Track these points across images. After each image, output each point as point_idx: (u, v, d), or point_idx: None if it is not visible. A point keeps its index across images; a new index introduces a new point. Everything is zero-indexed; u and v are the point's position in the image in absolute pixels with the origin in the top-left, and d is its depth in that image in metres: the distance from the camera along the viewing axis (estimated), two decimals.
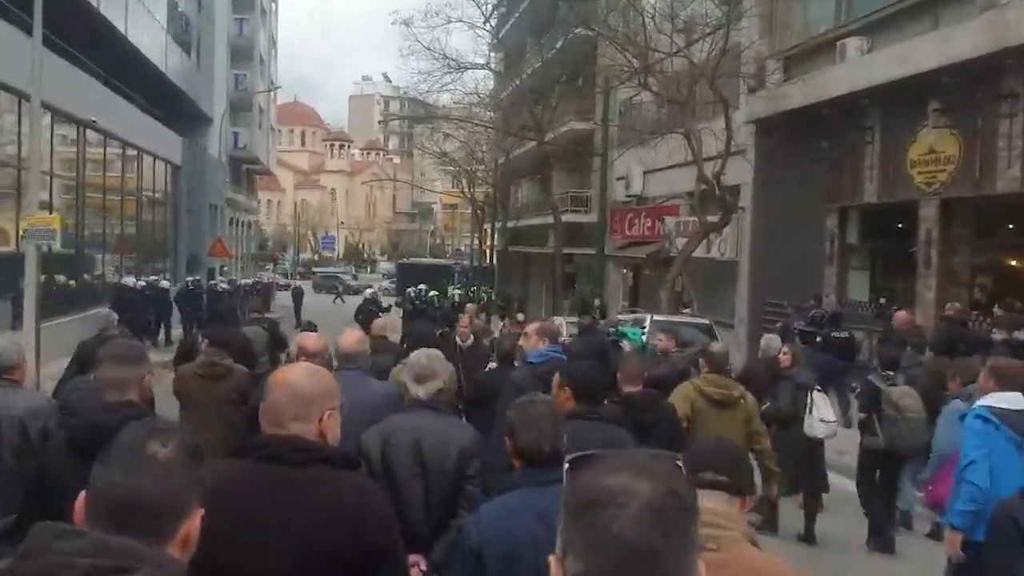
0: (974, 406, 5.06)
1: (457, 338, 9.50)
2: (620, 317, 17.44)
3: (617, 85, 22.23)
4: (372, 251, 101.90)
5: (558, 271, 29.52)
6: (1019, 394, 4.83)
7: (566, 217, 31.92)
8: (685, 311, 17.82)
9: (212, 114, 40.15)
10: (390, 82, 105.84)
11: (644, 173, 27.55)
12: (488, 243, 41.22)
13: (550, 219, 31.15)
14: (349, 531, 2.40)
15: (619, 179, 29.97)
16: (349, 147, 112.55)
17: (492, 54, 36.38)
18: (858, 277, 17.91)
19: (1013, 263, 14.84)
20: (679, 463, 1.36)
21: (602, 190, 24.51)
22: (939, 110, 14.56)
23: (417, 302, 29.31)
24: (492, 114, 36.29)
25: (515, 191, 43.21)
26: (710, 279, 23.58)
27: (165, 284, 25.76)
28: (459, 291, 37.58)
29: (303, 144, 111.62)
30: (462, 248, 66.63)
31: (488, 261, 41.77)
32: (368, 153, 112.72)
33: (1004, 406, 4.78)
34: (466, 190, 43.69)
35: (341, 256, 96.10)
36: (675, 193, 22.92)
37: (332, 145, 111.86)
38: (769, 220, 20.54)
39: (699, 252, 21.51)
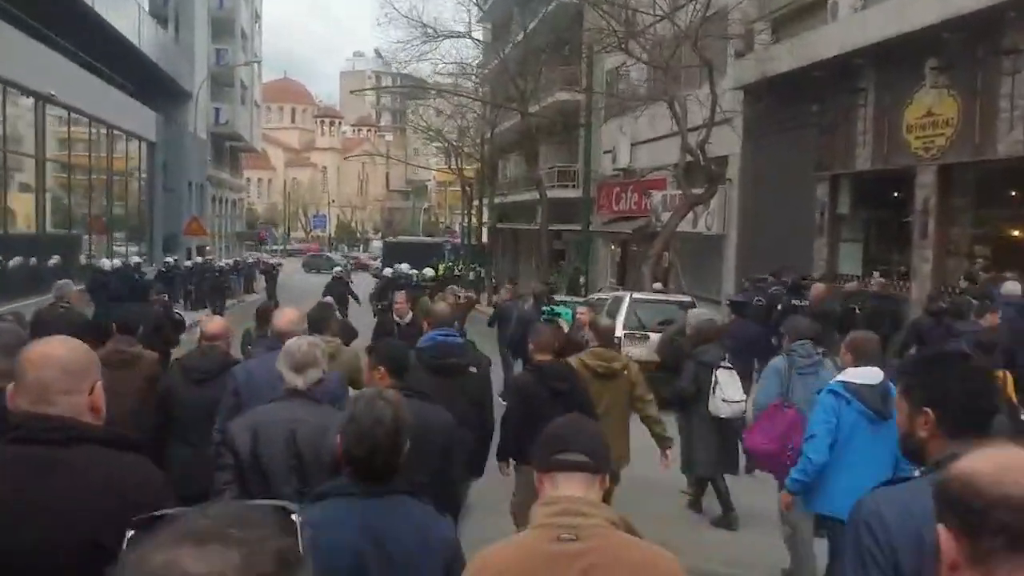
0: (831, 381, 5.18)
1: (395, 315, 9.68)
2: (599, 295, 16.56)
3: (600, 51, 21.20)
4: (365, 229, 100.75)
5: (543, 248, 28.59)
6: (875, 369, 4.85)
7: (553, 192, 31.02)
8: (656, 286, 16.95)
9: (192, 90, 39.06)
10: (381, 58, 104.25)
11: (631, 145, 26.63)
12: (478, 220, 40.20)
13: (538, 195, 30.19)
14: (118, 516, 1.91)
15: (606, 152, 29.05)
16: (340, 124, 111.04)
17: (479, 25, 35.29)
18: (850, 249, 17.00)
19: (1015, 233, 13.91)
20: (293, 516, 1.09)
21: (586, 162, 23.51)
22: (937, 68, 13.61)
23: (400, 280, 28.38)
24: (477, 86, 35.24)
25: (503, 166, 42.24)
26: (697, 254, 22.72)
27: (136, 260, 24.95)
28: (440, 267, 36.67)
29: (293, 121, 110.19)
30: (453, 226, 65.67)
31: (479, 239, 40.72)
32: (359, 130, 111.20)
33: (859, 381, 4.84)
34: (453, 165, 42.64)
35: (333, 235, 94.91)
36: (661, 165, 21.91)
37: (323, 122, 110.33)
38: (757, 191, 19.66)
39: (685, 227, 20.63)
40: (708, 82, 16.95)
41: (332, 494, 2.62)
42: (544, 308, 9.87)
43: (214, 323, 5.73)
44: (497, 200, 38.64)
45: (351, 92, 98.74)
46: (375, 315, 11.89)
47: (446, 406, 4.30)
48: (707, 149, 17.52)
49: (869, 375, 4.84)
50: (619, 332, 12.50)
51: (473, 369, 5.40)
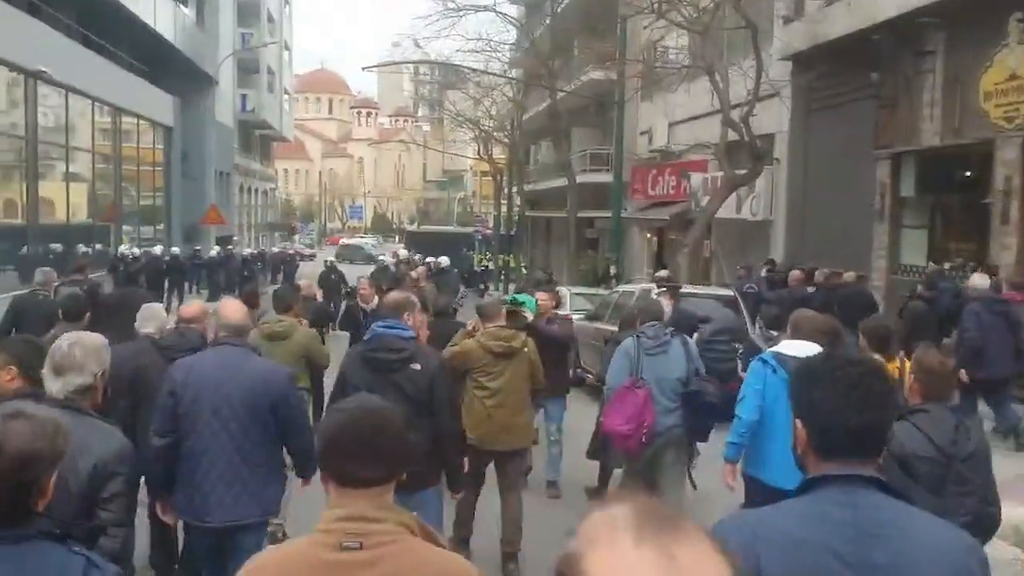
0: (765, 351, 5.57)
1: (360, 302, 9.71)
2: (623, 288, 14.79)
3: (635, 15, 19.34)
4: (400, 220, 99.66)
5: (572, 236, 26.85)
6: (809, 343, 4.88)
7: (586, 177, 29.35)
8: (661, 273, 15.44)
9: (217, 76, 37.83)
10: (420, 48, 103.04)
11: (669, 126, 24.82)
12: (508, 209, 38.48)
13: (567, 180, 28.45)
14: None
15: (642, 134, 27.23)
16: (377, 115, 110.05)
17: (508, 2, 33.59)
18: (914, 237, 15.02)
19: None
20: None
21: (618, 140, 21.56)
22: None
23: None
24: (506, 68, 33.55)
25: (535, 152, 40.63)
26: (741, 243, 20.87)
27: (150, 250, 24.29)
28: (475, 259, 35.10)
29: (330, 112, 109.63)
30: (487, 216, 63.89)
31: (511, 228, 38.99)
32: (397, 120, 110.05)
33: (790, 353, 4.96)
34: (482, 152, 41.02)
35: (369, 226, 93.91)
36: (701, 143, 19.98)
37: (359, 113, 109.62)
38: (808, 173, 17.76)
39: (728, 212, 18.85)
40: (753, 47, 15.08)
41: None
42: (506, 298, 9.42)
43: (190, 306, 5.83)
44: (528, 187, 37.01)
45: (363, 69, 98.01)
46: (343, 301, 12.14)
47: None
48: (752, 125, 15.67)
49: (801, 348, 4.81)
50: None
51: (416, 366, 4.80)
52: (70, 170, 23.23)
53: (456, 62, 32.57)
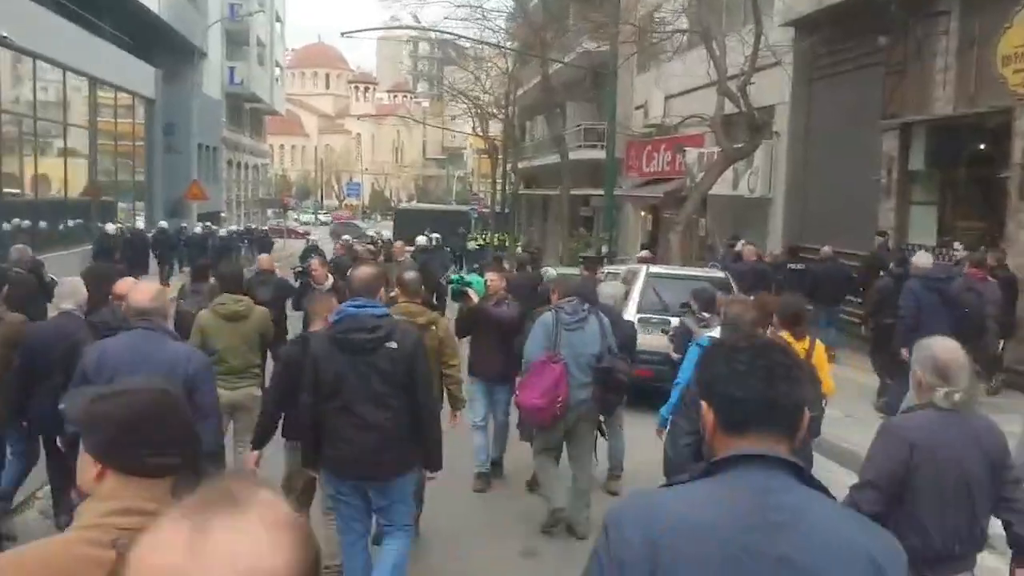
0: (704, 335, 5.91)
1: (312, 282, 9.27)
2: (608, 268, 13.77)
3: None
4: (399, 198, 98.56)
5: (565, 214, 25.85)
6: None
7: (581, 153, 28.40)
8: (643, 253, 14.79)
9: (205, 47, 36.69)
10: (419, 22, 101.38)
11: (665, 99, 23.73)
12: (502, 186, 37.42)
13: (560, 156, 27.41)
14: None
15: (638, 108, 26.19)
16: (375, 90, 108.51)
17: None
18: (923, 213, 13.99)
19: None
20: None
21: (610, 112, 20.40)
22: None
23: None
24: (502, 37, 32.44)
25: (530, 128, 39.56)
26: (739, 221, 19.89)
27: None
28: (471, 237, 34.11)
29: (327, 87, 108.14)
30: (480, 194, 62.72)
31: (506, 206, 37.92)
32: (395, 96, 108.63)
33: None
34: (477, 128, 39.93)
35: (367, 203, 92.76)
36: (695, 114, 18.86)
37: (357, 88, 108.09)
38: (809, 146, 16.76)
39: (725, 189, 17.85)
40: (752, 10, 14.02)
41: None
42: (452, 278, 9.08)
43: (123, 283, 5.74)
44: (523, 165, 35.98)
45: (342, 34, 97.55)
46: (295, 280, 11.51)
47: (357, 387, 4.45)
48: (751, 96, 14.63)
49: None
50: (631, 315, 9.86)
51: (391, 344, 4.56)
52: (40, 143, 22.25)
53: (443, 29, 31.33)
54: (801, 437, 1.86)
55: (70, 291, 5.59)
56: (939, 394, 3.35)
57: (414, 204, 55.18)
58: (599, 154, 27.76)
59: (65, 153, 24.20)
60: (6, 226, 19.62)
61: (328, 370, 4.49)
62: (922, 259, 9.72)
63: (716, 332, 5.33)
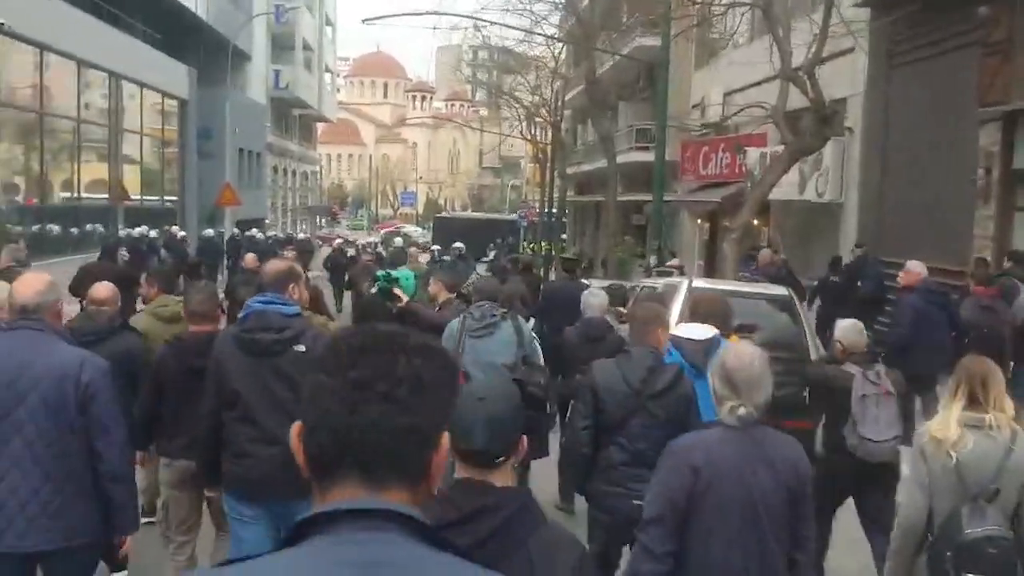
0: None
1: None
2: (645, 281, 11.83)
3: None
4: (453, 206, 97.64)
5: (611, 220, 23.94)
6: (704, 326, 5.04)
7: (633, 156, 26.69)
8: (674, 262, 13.41)
9: (247, 48, 35.65)
10: (479, 31, 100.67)
11: (724, 96, 21.65)
12: (550, 193, 35.73)
13: (609, 159, 25.56)
14: None
15: (695, 106, 24.16)
16: (432, 99, 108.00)
17: None
18: None
19: None
20: None
21: (661, 109, 18.34)
22: None
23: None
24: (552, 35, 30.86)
25: (581, 132, 37.97)
26: (805, 229, 17.76)
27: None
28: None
29: (385, 96, 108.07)
30: (532, 201, 60.95)
31: (553, 213, 36.23)
32: (452, 104, 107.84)
33: (684, 335, 5.03)
34: (526, 132, 38.37)
35: (421, 212, 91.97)
36: (753, 103, 16.70)
37: (414, 97, 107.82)
38: (888, 143, 14.65)
39: (790, 194, 15.79)
40: None
41: None
42: (379, 273, 8.00)
43: (100, 288, 5.61)
44: (572, 170, 34.29)
45: (363, 21, 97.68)
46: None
47: (257, 394, 4.10)
48: (820, 84, 12.54)
49: (697, 331, 5.01)
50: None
51: (300, 347, 4.11)
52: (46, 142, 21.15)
53: (487, 19, 29.88)
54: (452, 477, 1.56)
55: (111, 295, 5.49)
56: (724, 409, 3.14)
57: (456, 213, 53.66)
58: (652, 157, 25.83)
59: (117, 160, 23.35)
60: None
61: (228, 374, 4.13)
62: (915, 267, 8.94)
63: (682, 330, 5.25)
